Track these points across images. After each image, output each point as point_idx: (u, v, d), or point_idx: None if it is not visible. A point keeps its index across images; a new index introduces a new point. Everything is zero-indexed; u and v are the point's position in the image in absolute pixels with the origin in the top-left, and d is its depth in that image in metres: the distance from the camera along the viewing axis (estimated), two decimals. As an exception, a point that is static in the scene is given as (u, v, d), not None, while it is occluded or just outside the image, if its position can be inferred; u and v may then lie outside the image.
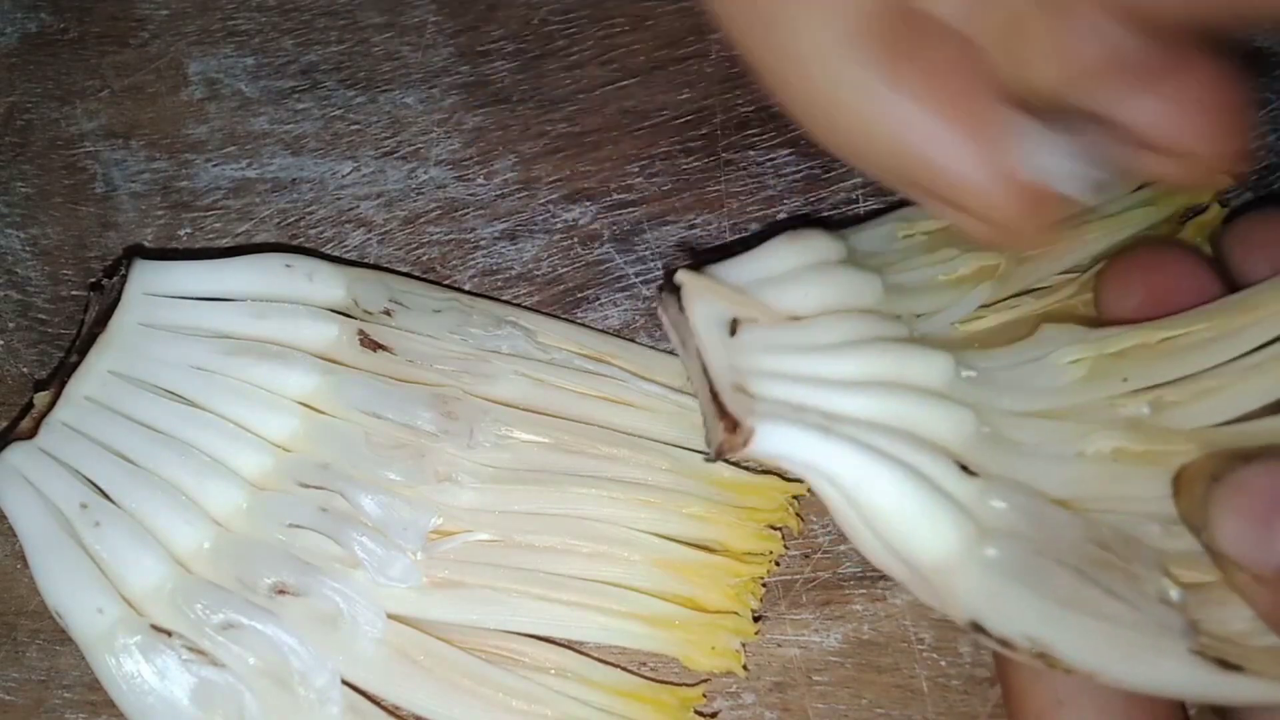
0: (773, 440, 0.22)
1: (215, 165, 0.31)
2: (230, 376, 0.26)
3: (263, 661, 0.25)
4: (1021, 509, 0.23)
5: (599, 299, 0.30)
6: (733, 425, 0.22)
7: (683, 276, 0.24)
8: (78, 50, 0.31)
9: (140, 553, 0.25)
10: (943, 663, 0.28)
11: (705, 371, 0.23)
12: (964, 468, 0.23)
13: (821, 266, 0.25)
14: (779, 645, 0.28)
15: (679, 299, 0.24)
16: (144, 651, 0.25)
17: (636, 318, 0.30)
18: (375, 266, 0.30)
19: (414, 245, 0.30)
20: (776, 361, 0.23)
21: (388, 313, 0.28)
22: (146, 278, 0.27)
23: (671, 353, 0.29)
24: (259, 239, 0.30)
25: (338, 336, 0.27)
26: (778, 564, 0.28)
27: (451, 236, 0.30)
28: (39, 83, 0.31)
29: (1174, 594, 0.22)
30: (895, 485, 0.22)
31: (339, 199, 0.31)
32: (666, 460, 0.27)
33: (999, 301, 0.26)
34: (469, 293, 0.30)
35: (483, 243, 0.30)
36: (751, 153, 0.31)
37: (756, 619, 0.27)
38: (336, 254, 0.30)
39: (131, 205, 0.30)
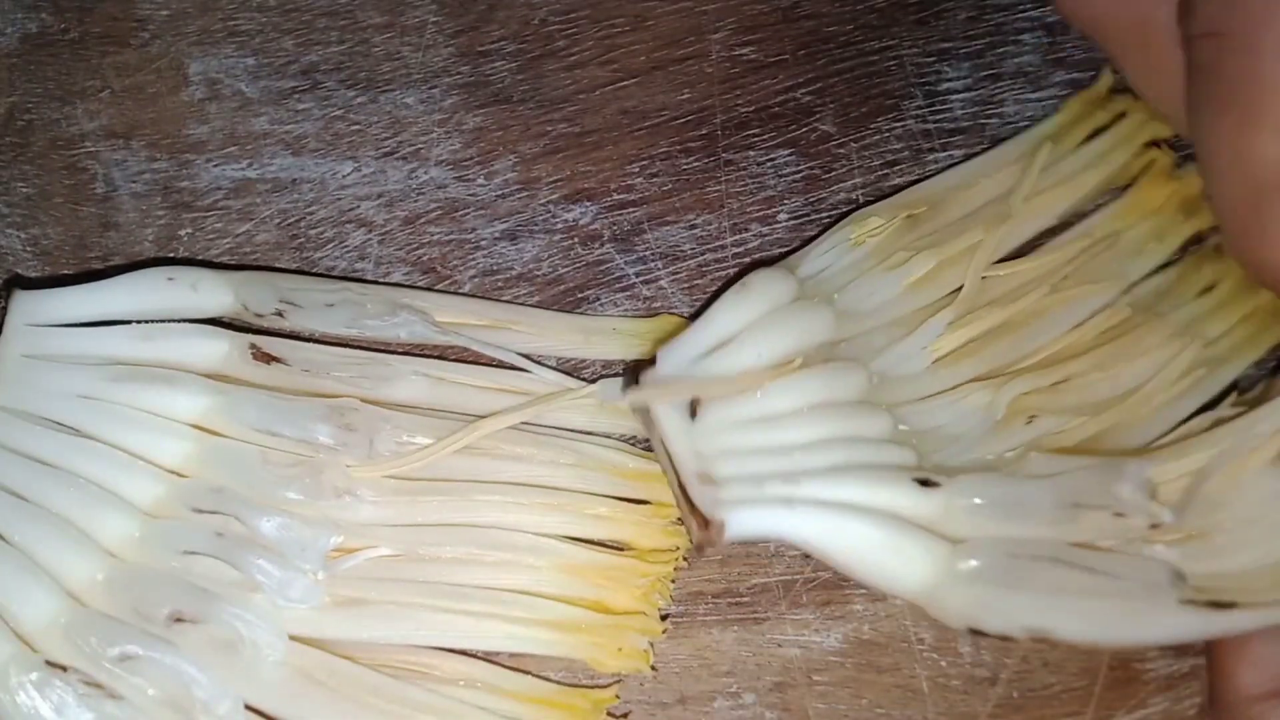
0: (742, 527, 0.23)
1: (216, 165, 0.31)
2: (118, 403, 0.26)
3: (163, 692, 0.25)
4: (990, 497, 0.24)
5: (599, 299, 0.30)
6: (704, 522, 0.23)
7: (641, 394, 0.25)
8: (78, 50, 0.31)
9: (32, 588, 0.25)
10: (943, 663, 0.28)
11: (673, 466, 0.24)
12: (926, 481, 0.24)
13: (772, 315, 0.26)
14: (779, 645, 0.28)
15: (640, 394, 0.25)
16: (39, 688, 0.24)
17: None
18: (260, 267, 0.30)
19: (414, 245, 0.30)
20: (737, 437, 0.25)
21: (279, 314, 0.27)
22: (27, 308, 0.27)
23: (567, 311, 0.30)
24: (259, 239, 0.30)
25: (228, 352, 0.27)
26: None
27: (452, 237, 0.30)
28: (39, 83, 0.31)
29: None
30: (860, 537, 0.23)
31: (339, 199, 0.31)
32: (571, 455, 0.27)
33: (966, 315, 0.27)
34: (361, 280, 0.30)
35: (483, 243, 0.30)
36: (751, 153, 0.31)
37: (664, 617, 0.27)
38: (337, 254, 0.30)
39: (132, 206, 0.30)
